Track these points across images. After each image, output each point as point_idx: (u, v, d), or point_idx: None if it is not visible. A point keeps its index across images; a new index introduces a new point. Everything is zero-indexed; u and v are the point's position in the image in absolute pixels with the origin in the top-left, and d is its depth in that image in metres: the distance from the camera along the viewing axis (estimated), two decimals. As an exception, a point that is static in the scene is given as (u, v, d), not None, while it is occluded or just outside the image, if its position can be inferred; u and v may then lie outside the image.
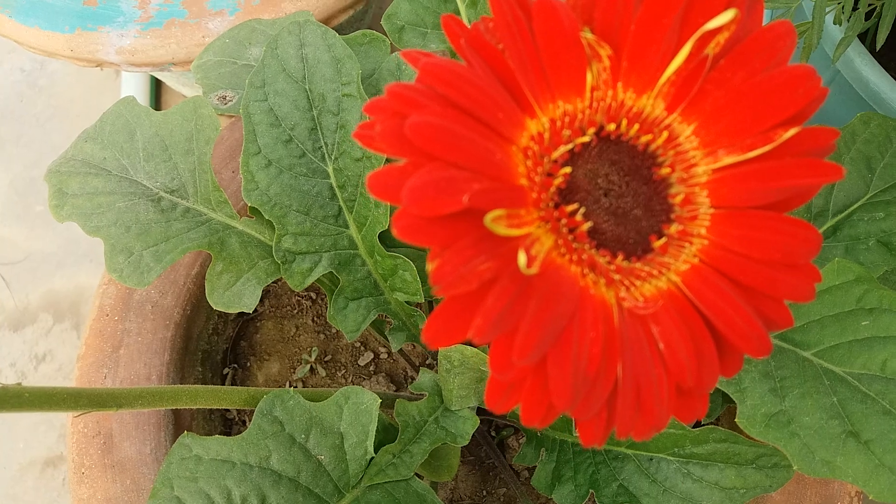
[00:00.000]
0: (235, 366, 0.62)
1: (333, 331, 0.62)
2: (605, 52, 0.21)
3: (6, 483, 0.80)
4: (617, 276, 0.21)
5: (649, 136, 0.22)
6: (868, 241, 0.44)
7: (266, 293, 0.63)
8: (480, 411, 0.46)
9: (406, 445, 0.41)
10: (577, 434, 0.21)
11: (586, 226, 0.21)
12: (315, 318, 0.63)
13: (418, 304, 0.49)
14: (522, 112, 0.21)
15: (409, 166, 0.19)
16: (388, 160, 0.42)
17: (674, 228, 0.22)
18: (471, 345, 0.37)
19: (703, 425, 0.43)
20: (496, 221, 0.19)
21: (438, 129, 0.19)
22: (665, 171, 0.22)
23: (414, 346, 0.60)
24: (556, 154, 0.21)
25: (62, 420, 0.81)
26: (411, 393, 0.47)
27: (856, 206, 0.45)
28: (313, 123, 0.42)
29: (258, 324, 0.63)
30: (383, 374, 0.61)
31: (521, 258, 0.19)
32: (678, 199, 0.22)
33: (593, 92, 0.22)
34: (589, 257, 0.21)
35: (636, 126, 0.22)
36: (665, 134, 0.22)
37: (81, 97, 0.95)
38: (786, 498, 0.47)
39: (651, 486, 0.43)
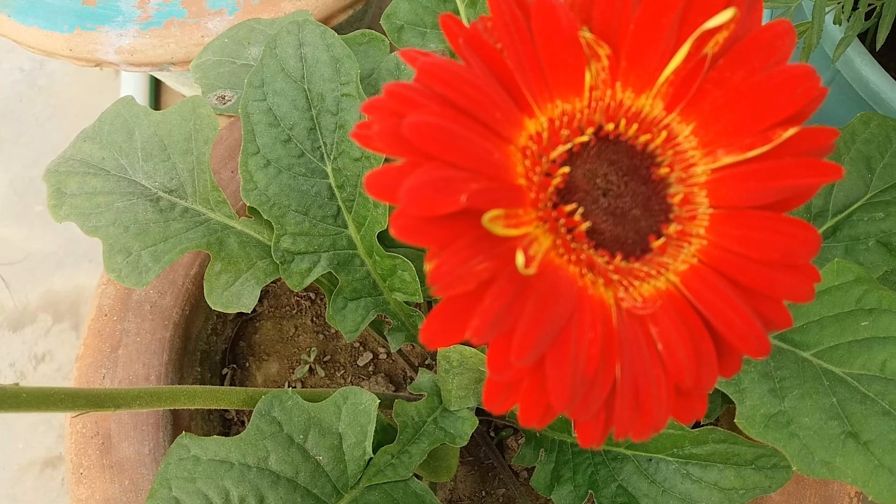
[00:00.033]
0: (234, 366, 0.62)
1: (332, 331, 0.62)
2: (603, 51, 0.21)
3: (5, 483, 0.80)
4: (615, 277, 0.21)
5: (648, 136, 0.22)
6: (868, 241, 0.44)
7: (265, 293, 0.63)
8: (479, 412, 0.46)
9: (405, 446, 0.41)
10: (576, 435, 0.21)
11: (585, 226, 0.21)
12: (314, 319, 0.63)
13: (417, 305, 0.48)
14: (521, 112, 0.21)
15: (407, 166, 0.19)
16: (387, 160, 0.42)
17: (672, 228, 0.22)
18: (469, 345, 0.37)
19: (703, 426, 0.43)
20: (494, 221, 0.19)
21: (436, 129, 0.19)
22: (664, 170, 0.22)
23: (413, 346, 0.60)
24: (554, 154, 0.21)
25: (61, 420, 0.81)
26: (410, 393, 0.47)
27: (855, 206, 0.45)
28: (312, 123, 0.42)
29: (257, 324, 0.63)
30: (382, 374, 0.61)
31: (519, 258, 0.19)
32: (677, 199, 0.22)
33: (592, 91, 0.22)
34: (587, 257, 0.21)
35: (635, 126, 0.22)
36: (664, 133, 0.22)
37: (81, 97, 0.95)
38: (785, 498, 0.47)
39: (650, 487, 0.43)
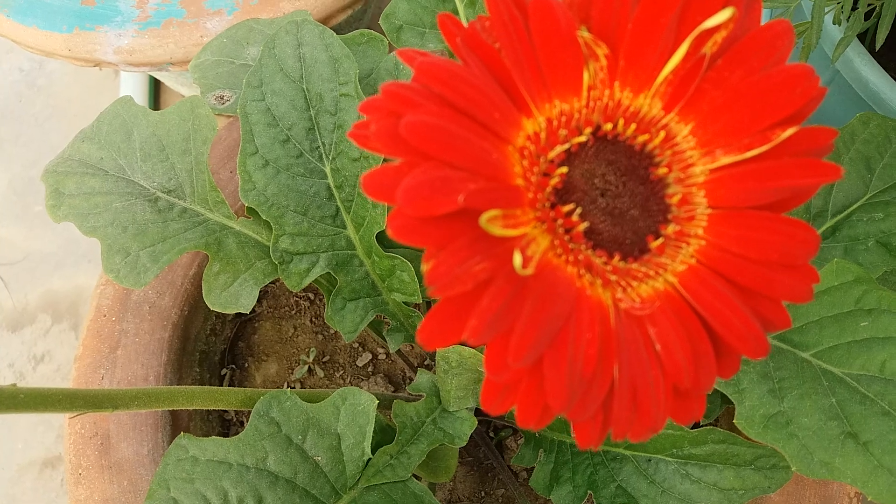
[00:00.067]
0: (233, 366, 0.62)
1: (332, 331, 0.62)
2: (601, 51, 0.21)
3: (4, 484, 0.80)
4: (613, 277, 0.21)
5: (646, 136, 0.22)
6: (867, 241, 0.44)
7: (264, 294, 0.63)
8: (479, 412, 0.46)
9: (404, 446, 0.41)
10: (574, 436, 0.21)
11: (583, 226, 0.21)
12: (313, 319, 0.63)
13: (416, 305, 0.48)
14: (519, 111, 0.21)
15: (405, 166, 0.19)
16: (386, 160, 0.42)
17: (671, 229, 0.22)
18: (468, 346, 0.36)
19: (702, 426, 0.43)
20: (492, 222, 0.19)
21: (434, 129, 0.19)
22: (662, 171, 0.22)
23: (412, 346, 0.60)
24: (552, 154, 0.21)
25: (60, 420, 0.81)
26: (409, 394, 0.47)
27: (855, 206, 0.45)
28: (311, 123, 0.42)
29: (256, 324, 0.63)
30: (381, 374, 0.61)
31: (517, 259, 0.19)
32: (675, 200, 0.22)
33: (590, 91, 0.22)
34: (585, 258, 0.21)
35: (633, 126, 0.22)
36: (662, 133, 0.22)
37: (80, 97, 0.95)
38: (785, 499, 0.47)
39: (649, 487, 0.43)
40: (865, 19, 0.48)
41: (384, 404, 0.43)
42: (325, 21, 0.64)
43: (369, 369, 0.62)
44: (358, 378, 0.61)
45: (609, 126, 0.22)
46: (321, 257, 0.44)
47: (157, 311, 0.53)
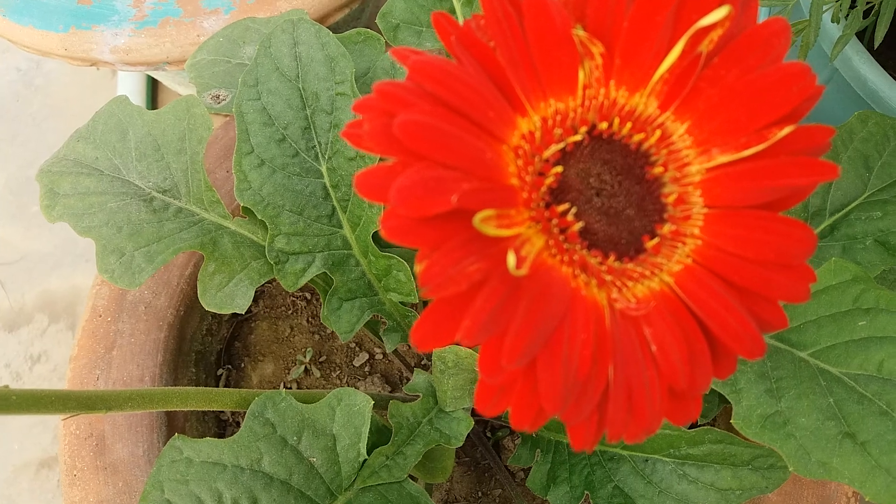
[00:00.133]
0: (229, 367, 0.62)
1: (328, 331, 0.62)
2: (597, 49, 0.21)
3: (1, 485, 0.80)
4: (609, 277, 0.21)
5: (642, 135, 0.22)
6: (865, 240, 0.44)
7: (260, 293, 0.63)
8: (475, 412, 0.45)
9: (399, 447, 0.41)
10: (568, 437, 0.21)
11: (578, 226, 0.21)
12: (310, 319, 0.63)
13: (413, 305, 0.48)
14: (513, 111, 0.21)
15: (398, 165, 0.19)
16: (382, 160, 0.42)
17: (667, 228, 0.22)
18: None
19: (700, 426, 0.43)
20: (485, 222, 0.19)
21: (427, 128, 0.18)
22: (658, 170, 0.22)
23: (409, 346, 0.60)
24: (547, 153, 0.21)
25: (57, 421, 0.81)
26: (406, 394, 0.46)
27: (853, 205, 0.45)
28: (307, 122, 0.42)
29: (252, 324, 0.63)
30: (378, 374, 0.61)
31: (511, 259, 0.18)
32: (671, 199, 0.22)
33: (585, 90, 0.22)
34: (580, 258, 0.21)
35: (629, 125, 0.22)
36: (658, 132, 0.22)
37: (77, 97, 0.95)
38: (782, 499, 0.47)
39: (647, 488, 0.43)
40: (864, 17, 0.48)
41: (380, 405, 0.43)
42: (322, 20, 0.64)
43: (366, 369, 0.62)
44: (355, 378, 0.61)
45: (605, 125, 0.22)
46: (317, 257, 0.44)
47: (153, 312, 0.53)
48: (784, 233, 0.21)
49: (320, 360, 0.61)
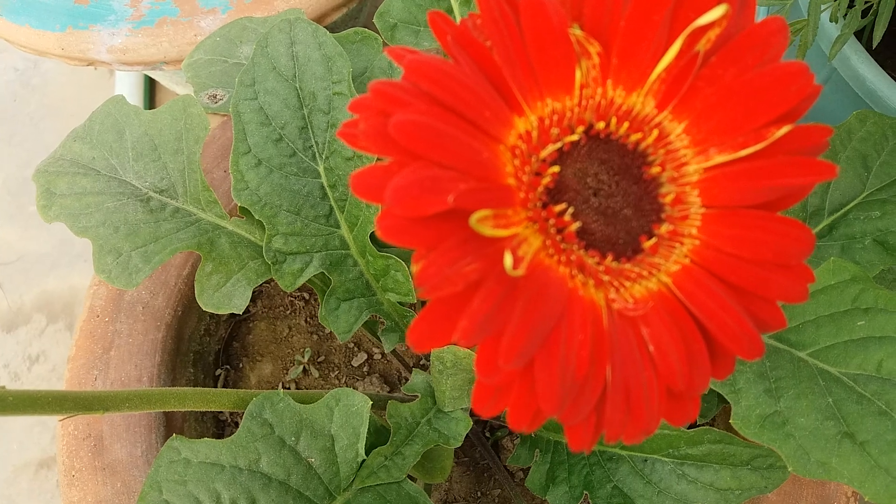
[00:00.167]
0: (228, 367, 0.61)
1: (327, 331, 0.62)
2: (594, 49, 0.21)
3: (0, 485, 0.80)
4: (606, 278, 0.21)
5: (639, 135, 0.22)
6: (864, 239, 0.44)
7: (258, 293, 0.63)
8: (474, 412, 0.45)
9: (398, 447, 0.41)
10: (566, 438, 0.20)
11: (575, 226, 0.20)
12: (308, 319, 0.62)
13: (411, 305, 0.48)
14: (510, 110, 0.21)
15: (394, 165, 0.19)
16: (379, 159, 0.42)
17: (664, 228, 0.22)
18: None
19: (699, 426, 0.42)
20: (482, 222, 0.18)
21: (423, 128, 0.18)
22: (655, 170, 0.22)
23: (407, 346, 0.60)
24: (544, 153, 0.21)
25: (56, 421, 0.81)
26: (404, 394, 0.46)
27: (852, 204, 0.45)
28: (304, 122, 0.42)
29: (251, 324, 0.62)
30: (377, 374, 0.61)
31: (508, 259, 0.18)
32: (669, 199, 0.22)
33: (582, 89, 0.21)
34: (577, 258, 0.21)
35: (626, 124, 0.22)
36: (655, 132, 0.22)
37: (75, 96, 0.95)
38: (782, 498, 0.47)
39: (646, 488, 0.42)
40: (862, 17, 0.48)
41: (379, 405, 0.43)
42: (319, 19, 0.64)
43: (364, 369, 0.62)
44: (353, 378, 0.61)
45: (602, 125, 0.21)
46: (315, 257, 0.43)
47: (151, 312, 0.53)
48: (782, 232, 0.21)
49: (319, 360, 0.61)
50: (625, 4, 0.21)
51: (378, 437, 0.42)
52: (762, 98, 0.20)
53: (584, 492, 0.44)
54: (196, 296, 0.42)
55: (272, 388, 0.60)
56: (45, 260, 0.88)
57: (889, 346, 0.35)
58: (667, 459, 0.42)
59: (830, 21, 0.50)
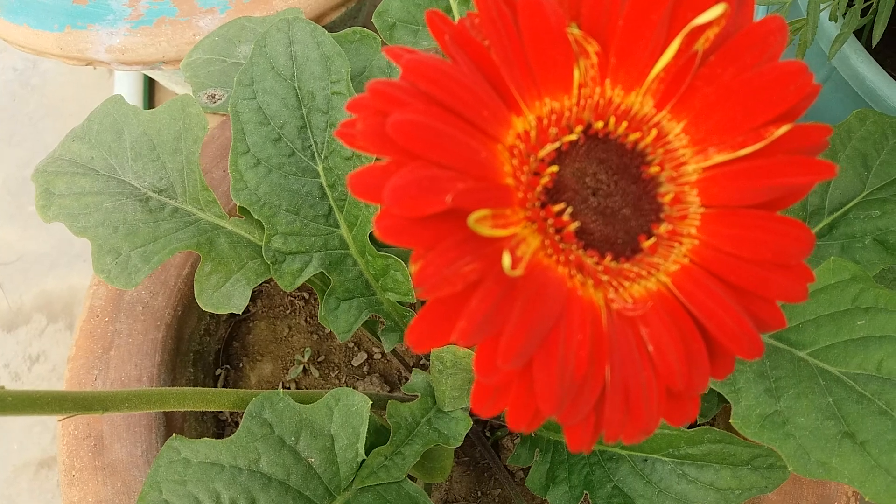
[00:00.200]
0: (228, 367, 0.61)
1: (327, 331, 0.62)
2: (592, 48, 0.21)
3: (1, 485, 0.80)
4: (605, 278, 0.21)
5: (638, 134, 0.22)
6: (864, 239, 0.44)
7: (258, 293, 0.63)
8: (473, 412, 0.45)
9: (398, 447, 0.41)
10: (565, 438, 0.20)
11: (574, 226, 0.20)
12: (308, 319, 0.62)
13: (411, 305, 0.48)
14: (508, 110, 0.21)
15: (392, 165, 0.19)
16: (378, 159, 0.42)
17: (663, 228, 0.22)
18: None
19: (699, 425, 0.42)
20: (480, 222, 0.18)
21: (421, 127, 0.18)
22: (654, 169, 0.22)
23: (407, 346, 0.60)
24: (542, 152, 0.21)
25: (56, 421, 0.81)
26: (404, 394, 0.46)
27: (852, 203, 0.45)
28: (303, 122, 0.42)
29: (251, 324, 0.62)
30: (377, 374, 0.61)
31: (506, 259, 0.18)
32: (668, 199, 0.22)
33: (581, 89, 0.21)
34: (576, 258, 0.20)
35: (624, 124, 0.22)
36: (654, 132, 0.21)
37: (74, 96, 0.95)
38: (782, 498, 0.47)
39: (646, 488, 0.42)
40: (862, 16, 0.48)
41: (379, 404, 0.43)
42: (318, 19, 0.64)
43: (364, 369, 0.62)
44: (353, 378, 0.61)
45: (600, 124, 0.21)
46: (314, 257, 0.43)
47: (151, 312, 0.53)
48: (781, 232, 0.21)
49: (319, 359, 0.61)
50: (623, 3, 0.21)
51: (378, 436, 0.42)
52: (761, 97, 0.20)
53: (584, 491, 0.44)
54: (195, 296, 0.42)
55: (272, 387, 0.60)
56: (45, 260, 0.88)
57: (889, 346, 0.35)
58: (667, 459, 0.42)
59: (830, 20, 0.50)
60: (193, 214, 0.43)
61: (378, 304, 0.46)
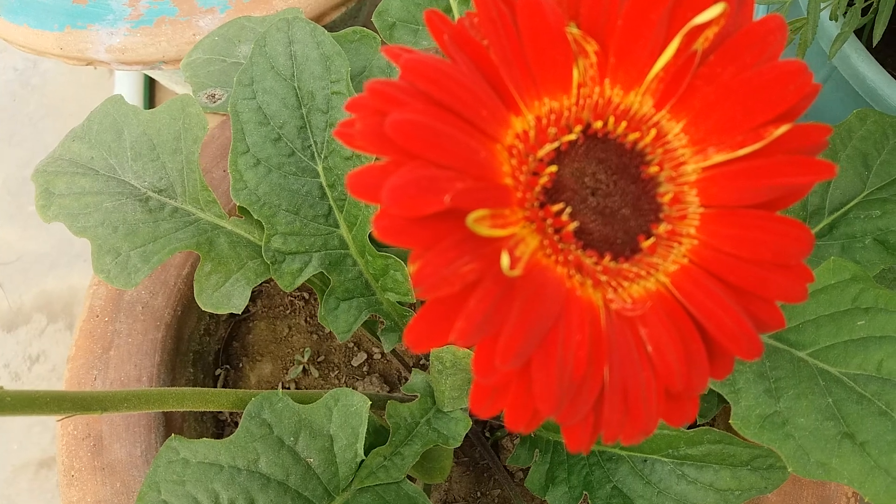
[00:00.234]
0: (227, 367, 0.61)
1: (326, 331, 0.62)
2: (591, 47, 0.21)
3: (0, 485, 0.80)
4: (604, 278, 0.21)
5: (637, 134, 0.21)
6: (864, 239, 0.44)
7: (258, 293, 0.63)
8: (472, 413, 0.45)
9: (397, 448, 0.41)
10: (564, 439, 0.20)
11: (572, 226, 0.20)
12: (308, 319, 0.62)
13: (411, 305, 0.48)
14: (507, 109, 0.21)
15: (391, 165, 0.19)
16: (377, 159, 0.42)
17: (662, 228, 0.22)
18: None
19: (699, 426, 0.42)
20: (479, 222, 0.18)
21: (420, 127, 0.18)
22: (653, 169, 0.22)
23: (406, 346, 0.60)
24: (541, 152, 0.21)
25: (56, 421, 0.81)
26: (404, 394, 0.46)
27: (852, 203, 0.44)
28: (302, 122, 0.42)
29: (250, 324, 0.62)
30: (377, 374, 0.61)
31: (504, 259, 0.18)
32: (667, 199, 0.22)
33: (580, 89, 0.21)
34: (575, 258, 0.20)
35: (624, 123, 0.21)
36: (653, 132, 0.21)
37: (74, 96, 0.95)
38: (782, 499, 0.47)
39: (645, 488, 0.42)
40: (862, 15, 0.48)
41: (378, 405, 0.42)
42: (318, 19, 0.63)
43: (364, 369, 0.61)
44: (353, 378, 0.61)
45: (599, 124, 0.21)
46: (314, 257, 0.43)
47: (150, 312, 0.53)
48: (781, 232, 0.21)
49: (318, 359, 0.61)
50: (622, 3, 0.21)
51: (377, 437, 0.42)
52: (761, 97, 0.20)
53: (584, 492, 0.44)
54: (195, 295, 0.42)
55: (272, 387, 0.60)
56: (45, 260, 0.88)
57: (889, 346, 0.35)
58: (666, 460, 0.42)
59: (830, 19, 0.50)
60: (193, 214, 0.43)
61: (378, 304, 0.46)
